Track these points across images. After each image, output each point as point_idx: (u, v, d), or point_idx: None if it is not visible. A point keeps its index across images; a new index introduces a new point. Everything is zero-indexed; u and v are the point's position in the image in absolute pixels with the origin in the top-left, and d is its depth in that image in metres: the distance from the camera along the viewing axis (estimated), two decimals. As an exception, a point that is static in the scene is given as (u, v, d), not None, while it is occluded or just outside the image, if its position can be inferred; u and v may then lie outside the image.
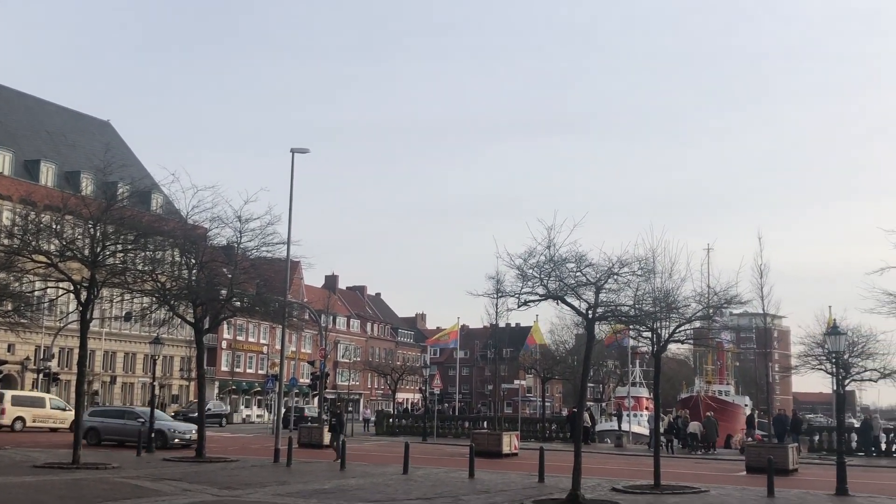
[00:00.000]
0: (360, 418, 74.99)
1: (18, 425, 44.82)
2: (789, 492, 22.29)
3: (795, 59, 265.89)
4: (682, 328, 22.56)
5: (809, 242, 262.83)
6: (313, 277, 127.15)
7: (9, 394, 46.46)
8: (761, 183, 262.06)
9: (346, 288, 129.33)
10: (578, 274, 19.58)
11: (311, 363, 56.26)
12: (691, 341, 24.84)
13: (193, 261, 30.00)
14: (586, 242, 20.31)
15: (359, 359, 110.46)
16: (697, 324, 24.66)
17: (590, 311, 19.77)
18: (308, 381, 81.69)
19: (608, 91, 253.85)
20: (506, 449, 34.14)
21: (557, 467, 25.91)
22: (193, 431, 33.39)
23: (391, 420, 55.61)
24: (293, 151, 30.84)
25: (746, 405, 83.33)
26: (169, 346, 74.10)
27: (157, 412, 36.26)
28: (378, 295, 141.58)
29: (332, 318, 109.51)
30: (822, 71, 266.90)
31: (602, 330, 24.55)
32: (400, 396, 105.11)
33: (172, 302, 29.39)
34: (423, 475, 24.92)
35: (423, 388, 68.27)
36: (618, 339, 45.55)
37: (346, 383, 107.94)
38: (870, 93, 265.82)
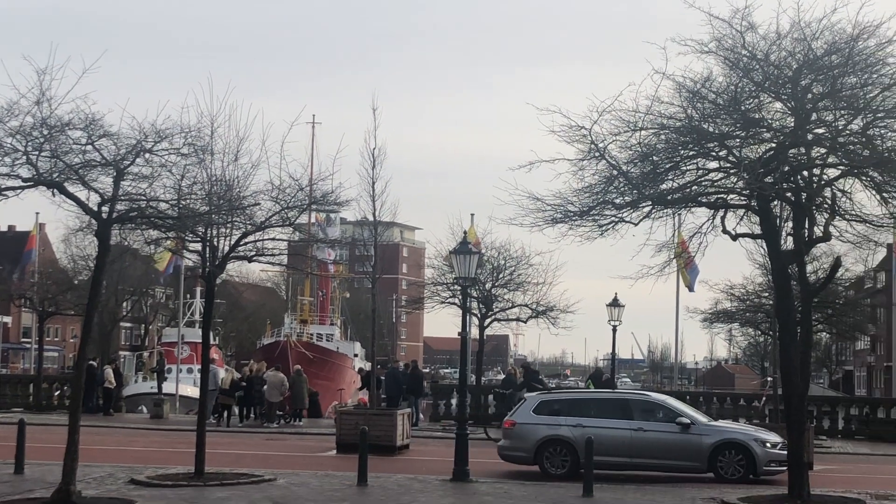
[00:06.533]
0: None
1: None
2: (390, 478, 24.22)
3: None
4: (250, 238, 23.24)
5: (447, 124, 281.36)
6: None
7: None
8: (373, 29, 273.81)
9: None
10: (89, 148, 19.32)
11: None
12: (266, 258, 25.48)
13: None
14: (104, 99, 19.94)
15: None
16: (279, 233, 25.38)
17: (104, 208, 19.67)
18: None
19: None
20: (-33, 426, 33.34)
21: (52, 451, 25.76)
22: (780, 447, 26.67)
23: None
24: None
25: (356, 355, 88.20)
26: None
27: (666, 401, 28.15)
28: None
29: None
30: None
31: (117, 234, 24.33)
32: None
33: None
34: None
35: None
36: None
37: None
38: None
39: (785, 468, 25.41)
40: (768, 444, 25.87)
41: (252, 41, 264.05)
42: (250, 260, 24.84)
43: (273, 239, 24.52)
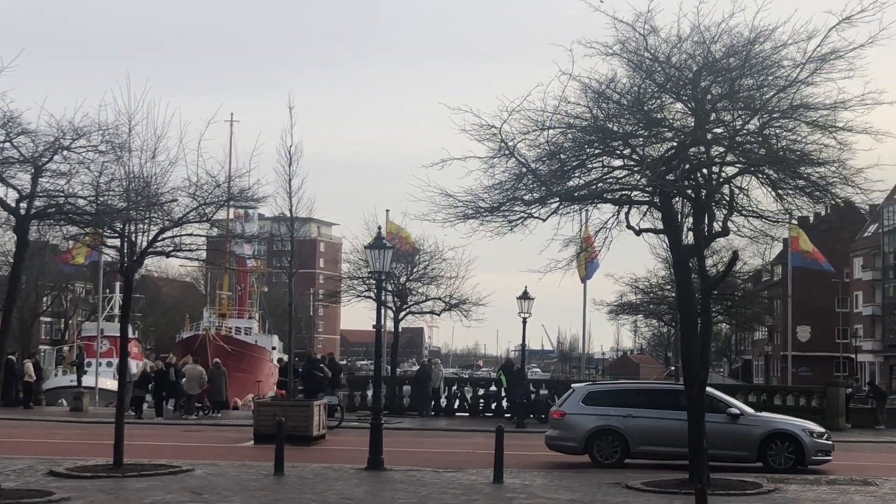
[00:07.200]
0: None
1: None
2: (306, 467, 24.33)
3: None
4: (168, 234, 23.17)
5: (364, 121, 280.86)
6: None
7: None
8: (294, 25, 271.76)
9: None
10: (7, 146, 19.26)
11: None
12: (184, 253, 25.40)
13: None
14: (22, 97, 19.85)
15: None
16: (197, 228, 25.34)
17: (22, 205, 19.54)
18: None
19: None
20: None
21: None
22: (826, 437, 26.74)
23: None
24: None
25: (274, 348, 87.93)
26: None
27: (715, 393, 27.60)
28: None
29: None
30: None
31: (36, 230, 24.21)
32: None
33: None
34: None
35: None
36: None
37: None
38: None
39: (830, 458, 26.00)
40: (815, 435, 26.15)
41: (171, 40, 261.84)
42: (168, 255, 24.76)
43: (191, 234, 24.44)
